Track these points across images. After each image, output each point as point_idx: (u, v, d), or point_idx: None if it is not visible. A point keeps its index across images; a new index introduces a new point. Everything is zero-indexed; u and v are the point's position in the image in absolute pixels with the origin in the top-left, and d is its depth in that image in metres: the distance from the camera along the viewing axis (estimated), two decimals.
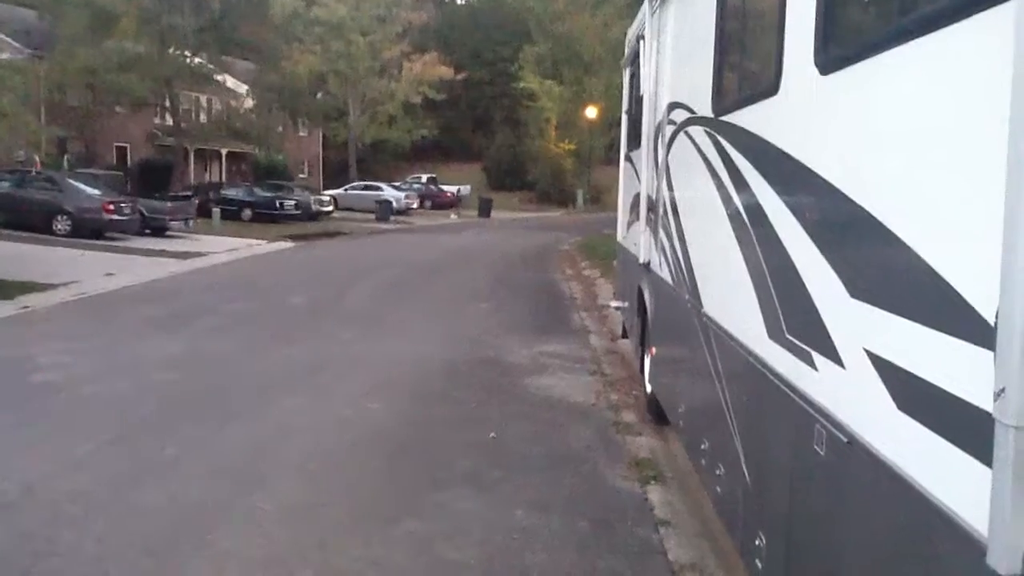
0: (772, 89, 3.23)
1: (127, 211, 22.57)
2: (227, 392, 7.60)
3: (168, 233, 24.53)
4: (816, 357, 2.72)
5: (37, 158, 26.35)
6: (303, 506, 5.03)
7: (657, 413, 6.77)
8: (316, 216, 34.74)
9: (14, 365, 8.34)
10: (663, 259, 6.15)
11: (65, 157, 31.72)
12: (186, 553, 4.32)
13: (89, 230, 21.54)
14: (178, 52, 33.80)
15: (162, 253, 20.25)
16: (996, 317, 1.64)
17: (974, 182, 1.81)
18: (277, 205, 32.72)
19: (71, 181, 23.38)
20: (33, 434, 6.21)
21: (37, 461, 5.59)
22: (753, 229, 3.49)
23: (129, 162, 37.35)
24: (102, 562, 4.17)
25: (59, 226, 21.70)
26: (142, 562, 4.20)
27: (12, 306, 11.96)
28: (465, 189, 53.82)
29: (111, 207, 22.03)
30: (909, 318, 2.08)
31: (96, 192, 22.69)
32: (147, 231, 23.64)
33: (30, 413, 6.75)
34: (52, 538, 4.44)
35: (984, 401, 1.68)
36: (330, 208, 37.78)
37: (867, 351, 2.31)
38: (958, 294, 1.84)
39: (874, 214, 2.29)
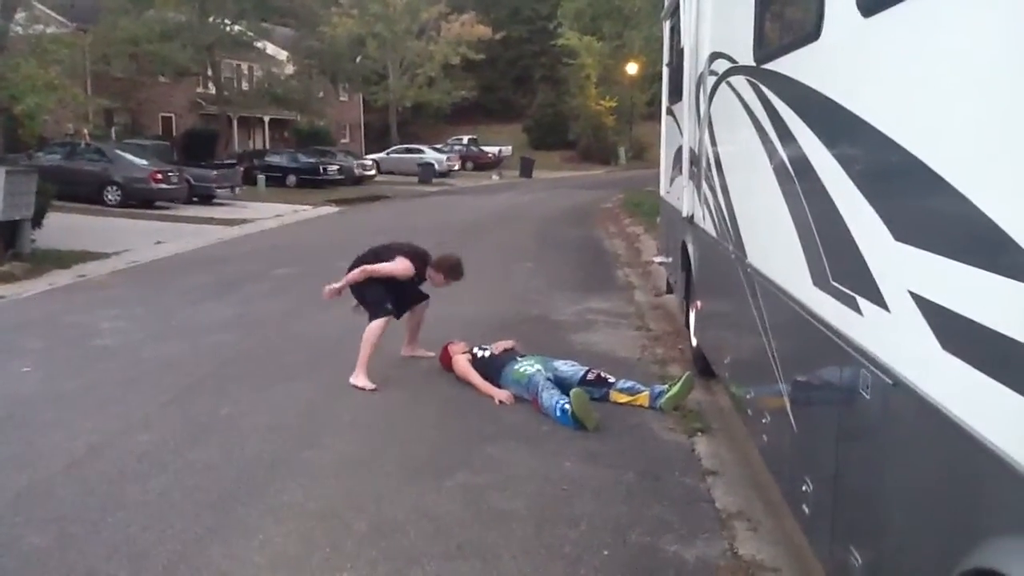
0: (814, 34, 3.20)
1: (174, 180, 22.99)
2: (278, 354, 7.77)
3: (215, 201, 24.94)
4: (861, 302, 2.72)
5: (85, 130, 26.79)
6: (356, 461, 5.15)
7: (703, 366, 6.78)
8: (359, 180, 35.04)
9: (74, 330, 8.60)
10: (706, 212, 6.12)
11: (112, 128, 32.19)
12: (246, 506, 4.47)
13: (138, 199, 22.03)
14: (218, 20, 34.04)
15: (210, 220, 20.59)
16: None
17: (1020, 121, 1.80)
18: (321, 170, 33.07)
19: (119, 152, 23.83)
20: (95, 396, 6.42)
21: (100, 422, 5.80)
22: (797, 177, 3.47)
23: (175, 132, 37.84)
24: (166, 515, 4.34)
25: (109, 196, 22.19)
26: (204, 515, 4.35)
27: (69, 274, 12.32)
28: (506, 149, 53.65)
29: (159, 176, 22.46)
30: (954, 258, 2.08)
31: (144, 162, 23.10)
32: (194, 199, 24.06)
33: (91, 376, 6.97)
34: (118, 493, 4.62)
35: None
36: (373, 172, 38.07)
37: (912, 293, 2.31)
38: (1003, 232, 1.84)
39: (919, 156, 2.28)
